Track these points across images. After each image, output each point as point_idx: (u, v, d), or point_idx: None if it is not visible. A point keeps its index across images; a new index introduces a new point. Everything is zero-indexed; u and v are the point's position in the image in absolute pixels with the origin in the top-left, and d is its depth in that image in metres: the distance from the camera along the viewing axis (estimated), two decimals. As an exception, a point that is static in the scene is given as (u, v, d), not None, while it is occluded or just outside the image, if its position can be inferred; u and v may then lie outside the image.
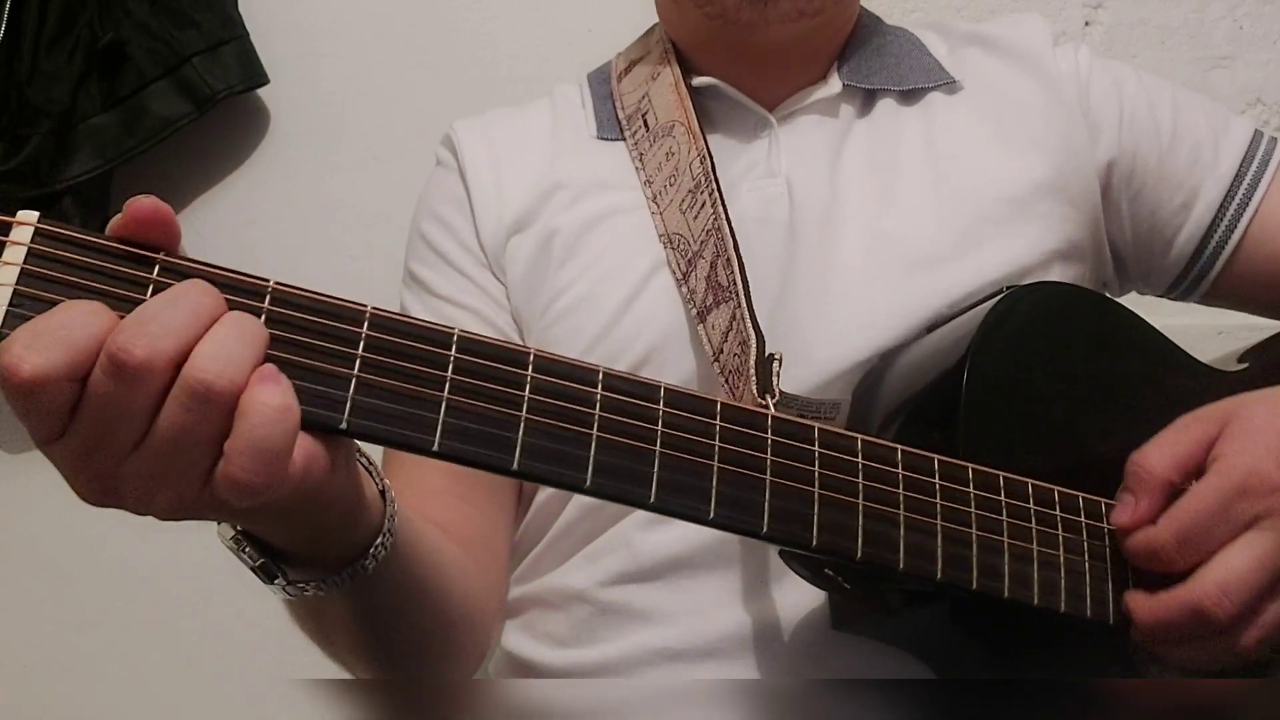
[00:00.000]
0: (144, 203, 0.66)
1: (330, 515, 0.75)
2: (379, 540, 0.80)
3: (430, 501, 1.07)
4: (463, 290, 1.16)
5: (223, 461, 0.64)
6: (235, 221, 1.62)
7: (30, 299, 0.63)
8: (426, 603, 0.95)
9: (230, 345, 0.64)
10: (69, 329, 0.62)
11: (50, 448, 0.65)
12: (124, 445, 0.64)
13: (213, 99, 1.55)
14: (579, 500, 1.06)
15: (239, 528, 0.76)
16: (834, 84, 1.15)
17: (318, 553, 0.79)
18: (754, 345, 0.95)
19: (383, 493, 0.82)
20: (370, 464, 0.81)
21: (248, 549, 0.77)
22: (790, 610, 0.99)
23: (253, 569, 0.78)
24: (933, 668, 0.95)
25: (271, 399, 0.64)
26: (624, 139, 1.17)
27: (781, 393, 0.93)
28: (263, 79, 1.59)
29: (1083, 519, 0.89)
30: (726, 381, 0.98)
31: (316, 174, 1.64)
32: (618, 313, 1.07)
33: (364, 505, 0.78)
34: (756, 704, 0.89)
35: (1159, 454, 0.89)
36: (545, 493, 1.11)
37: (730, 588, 1.00)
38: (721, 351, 0.99)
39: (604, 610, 1.04)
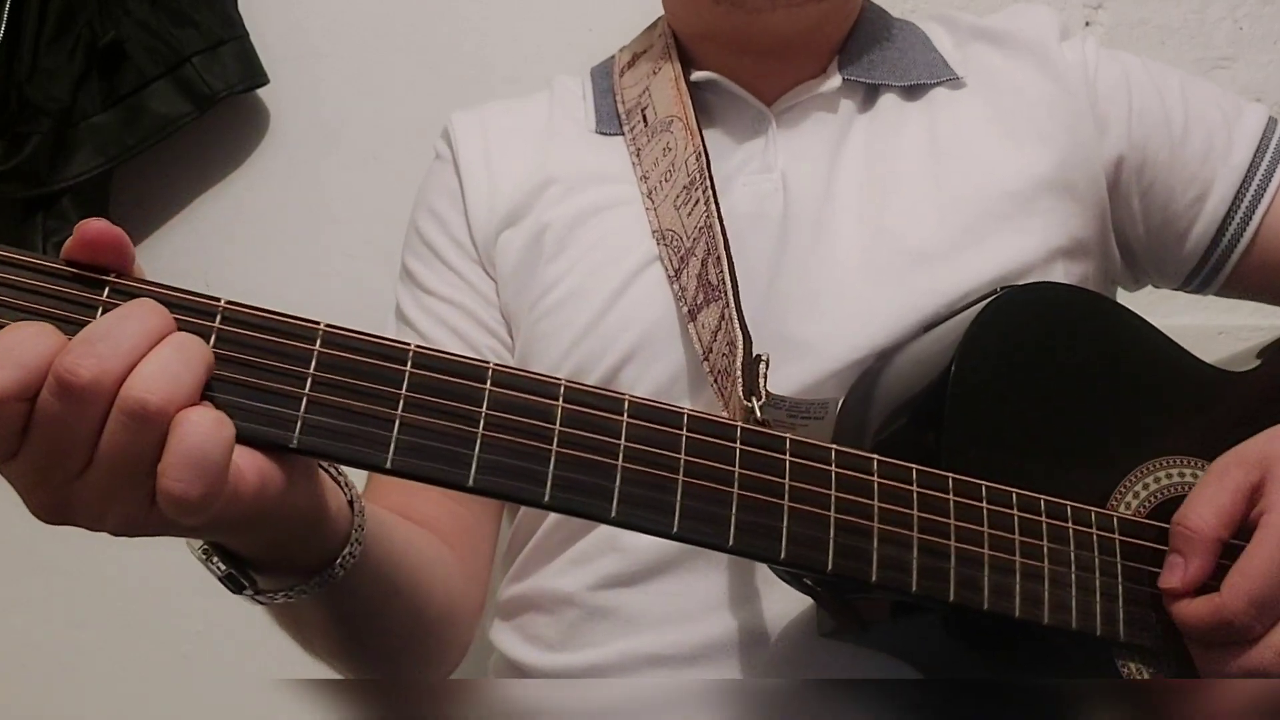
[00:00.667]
0: (94, 225, 0.66)
1: (292, 529, 0.75)
2: (346, 550, 0.81)
3: (416, 497, 1.07)
4: (451, 286, 1.16)
5: (158, 476, 0.64)
6: (234, 221, 1.63)
7: None
8: (403, 604, 0.95)
9: (170, 365, 0.64)
10: (17, 349, 0.62)
11: (3, 467, 0.65)
12: (74, 466, 0.64)
13: (213, 98, 1.56)
14: None
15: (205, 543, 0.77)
16: (833, 78, 1.14)
17: (284, 562, 0.79)
18: (741, 346, 0.95)
19: (351, 502, 0.82)
20: (339, 475, 0.82)
21: (215, 560, 0.77)
22: (777, 615, 0.98)
23: (219, 579, 0.79)
24: (920, 673, 0.95)
25: (205, 414, 0.64)
26: (622, 134, 1.17)
27: (768, 394, 0.92)
28: (262, 79, 1.59)
29: (1070, 527, 0.88)
30: (715, 381, 0.97)
31: (316, 174, 1.64)
32: (605, 307, 1.07)
33: (328, 516, 0.78)
34: (745, 705, 0.88)
35: (1202, 510, 0.87)
36: None
37: (718, 592, 1.00)
38: (711, 351, 0.98)
39: (592, 614, 1.03)
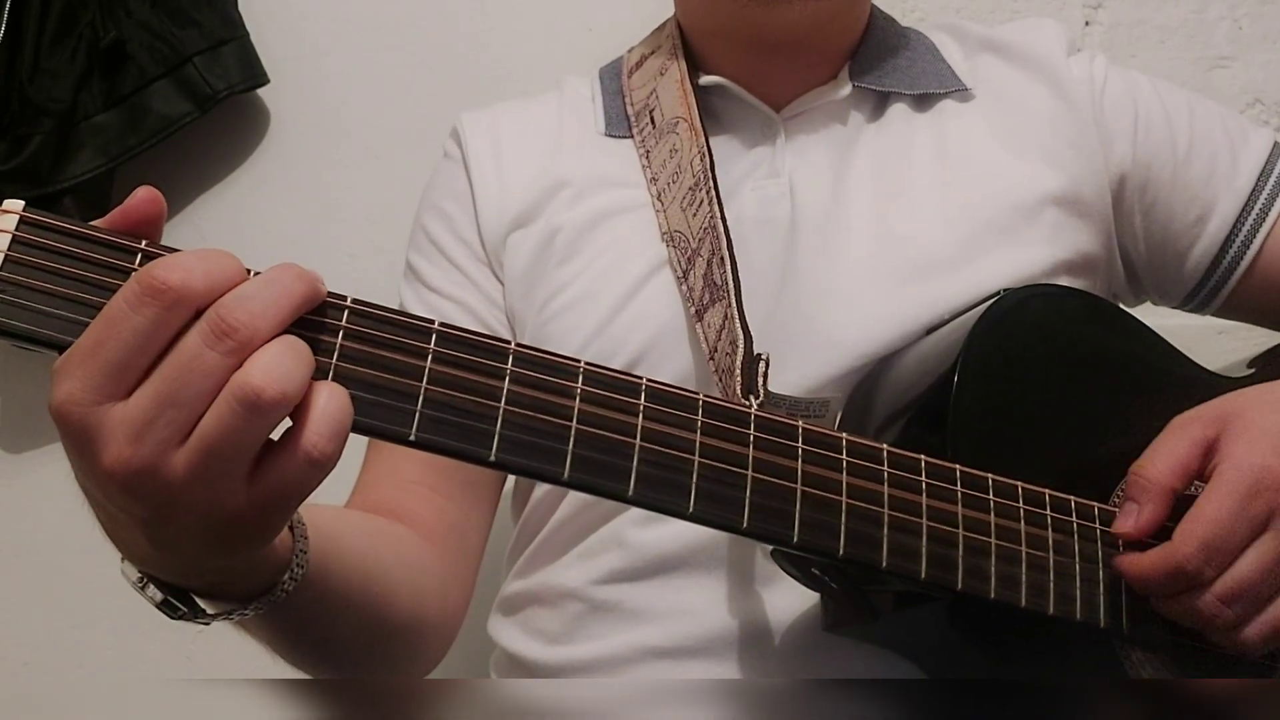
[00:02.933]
0: (146, 191, 0.67)
1: (235, 561, 0.73)
2: (286, 575, 0.79)
3: (404, 492, 1.08)
4: (455, 284, 1.16)
5: (300, 433, 0.64)
6: (236, 220, 1.63)
7: (14, 285, 0.64)
8: (357, 613, 0.93)
9: (285, 360, 0.64)
10: (220, 262, 0.64)
11: (107, 410, 0.63)
12: (184, 422, 0.63)
13: (214, 98, 1.55)
14: (573, 497, 1.07)
15: (140, 570, 0.74)
16: (844, 85, 1.15)
17: (223, 589, 0.77)
18: (742, 345, 0.95)
19: (292, 527, 0.80)
20: None
21: (150, 587, 0.75)
22: (781, 612, 0.99)
23: (156, 605, 0.76)
24: (923, 669, 0.95)
25: (336, 385, 0.66)
26: (631, 136, 1.17)
27: (768, 393, 0.93)
28: (263, 79, 1.59)
29: (1074, 521, 0.89)
30: (720, 380, 0.97)
31: (317, 173, 1.64)
32: (614, 310, 1.07)
33: (270, 545, 0.75)
34: (745, 703, 0.88)
35: (1158, 460, 0.89)
36: (541, 489, 1.11)
37: (722, 588, 1.00)
38: (716, 350, 0.99)
39: (595, 608, 1.04)
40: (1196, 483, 0.89)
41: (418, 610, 1.02)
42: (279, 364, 0.63)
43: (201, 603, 0.77)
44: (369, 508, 1.07)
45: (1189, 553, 0.84)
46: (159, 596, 0.75)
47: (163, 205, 0.68)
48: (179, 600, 0.76)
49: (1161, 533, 0.88)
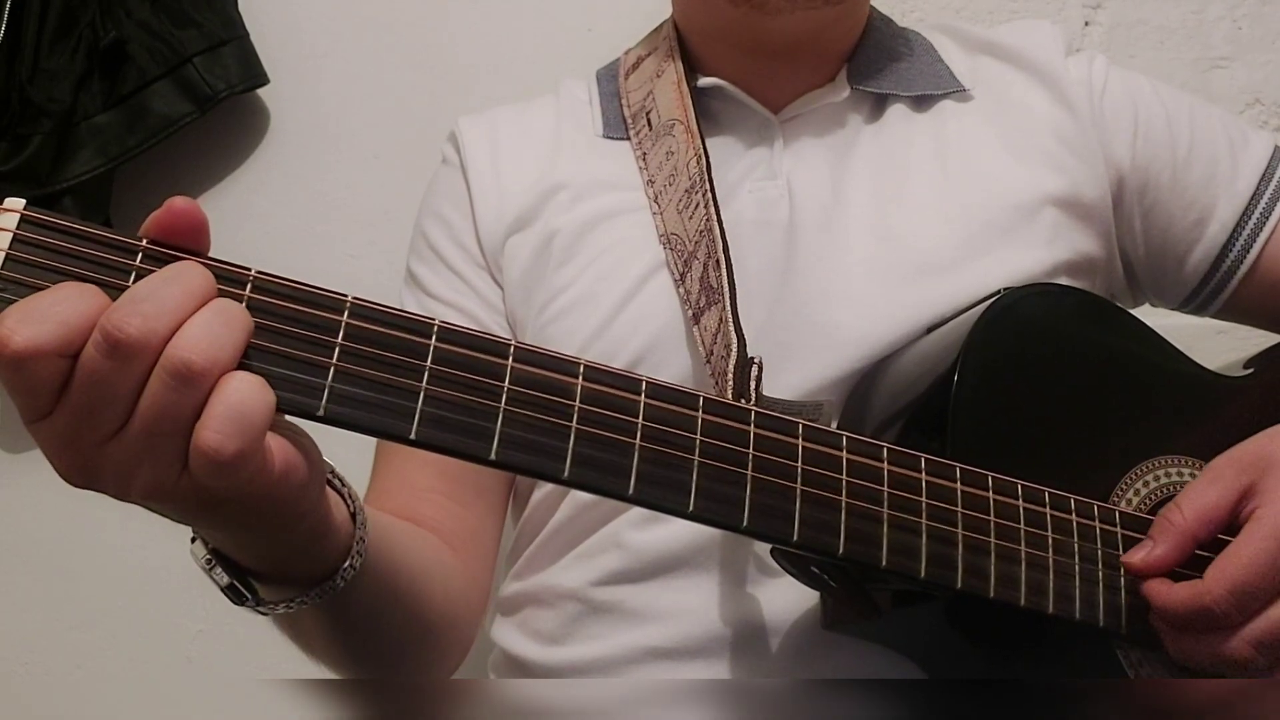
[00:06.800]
0: (179, 203, 0.68)
1: (295, 539, 0.75)
2: (347, 563, 0.81)
3: (419, 499, 1.07)
4: (455, 290, 1.16)
5: (197, 428, 0.64)
6: (235, 220, 1.62)
7: (15, 284, 0.64)
8: (403, 611, 0.95)
9: (213, 327, 0.64)
10: (60, 307, 0.63)
11: (37, 426, 0.66)
12: (108, 426, 0.65)
13: (214, 99, 1.55)
14: (573, 498, 1.07)
15: (211, 547, 0.77)
16: (841, 87, 1.15)
17: (286, 574, 0.79)
18: (735, 348, 0.95)
19: (353, 515, 0.82)
20: (343, 485, 0.82)
21: (217, 569, 0.77)
22: (780, 611, 0.99)
23: (222, 589, 0.79)
24: (922, 668, 0.95)
25: (249, 376, 0.65)
26: (629, 138, 1.17)
27: (760, 396, 0.93)
28: (263, 79, 1.59)
29: (1074, 520, 0.88)
30: (716, 383, 0.97)
31: (316, 173, 1.64)
32: (613, 312, 1.07)
33: (331, 528, 0.78)
34: (745, 704, 0.88)
35: (1186, 505, 0.88)
36: (541, 490, 1.11)
37: (721, 588, 1.00)
38: (712, 353, 0.99)
39: (594, 609, 1.04)
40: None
41: (449, 611, 1.03)
42: (206, 333, 0.64)
43: (262, 590, 0.79)
44: None
45: (1220, 595, 0.83)
46: (225, 580, 0.78)
47: (196, 215, 0.69)
48: (244, 587, 0.78)
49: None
